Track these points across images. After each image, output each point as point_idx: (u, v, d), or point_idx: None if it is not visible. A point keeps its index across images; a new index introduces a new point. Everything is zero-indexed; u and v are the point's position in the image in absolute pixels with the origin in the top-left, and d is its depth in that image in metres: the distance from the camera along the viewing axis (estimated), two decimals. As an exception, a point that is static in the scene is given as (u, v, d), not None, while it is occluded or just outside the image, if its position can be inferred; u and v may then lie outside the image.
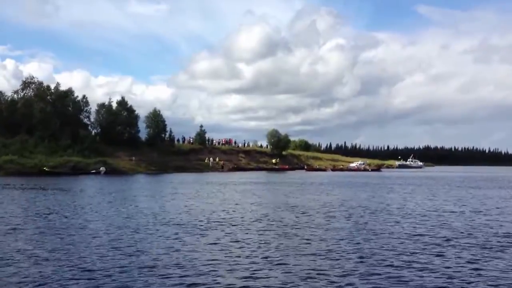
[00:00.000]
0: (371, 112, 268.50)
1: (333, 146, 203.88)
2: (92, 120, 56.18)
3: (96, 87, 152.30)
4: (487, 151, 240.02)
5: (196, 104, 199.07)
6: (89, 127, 56.28)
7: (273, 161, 73.49)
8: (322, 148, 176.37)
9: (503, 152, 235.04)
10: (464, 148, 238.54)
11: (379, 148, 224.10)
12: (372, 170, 77.47)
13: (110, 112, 55.78)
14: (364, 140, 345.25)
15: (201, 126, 69.98)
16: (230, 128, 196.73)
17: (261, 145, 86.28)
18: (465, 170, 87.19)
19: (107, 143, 53.38)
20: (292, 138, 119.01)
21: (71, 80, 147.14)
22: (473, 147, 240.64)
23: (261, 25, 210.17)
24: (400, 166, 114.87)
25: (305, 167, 71.71)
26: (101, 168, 43.11)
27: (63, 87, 54.33)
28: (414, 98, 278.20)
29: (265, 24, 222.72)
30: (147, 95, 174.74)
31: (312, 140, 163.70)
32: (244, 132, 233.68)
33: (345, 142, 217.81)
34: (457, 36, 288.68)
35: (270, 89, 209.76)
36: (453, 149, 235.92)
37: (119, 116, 55.99)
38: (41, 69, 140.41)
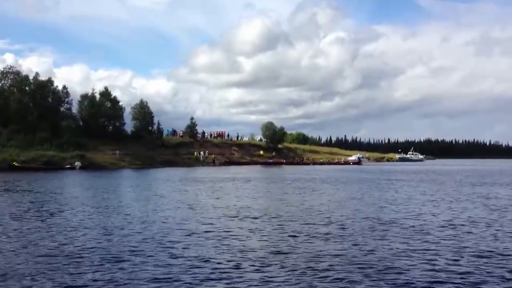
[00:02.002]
0: (372, 105, 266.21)
1: (333, 139, 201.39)
2: (74, 112, 52.90)
3: (95, 81, 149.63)
4: (487, 144, 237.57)
5: (197, 98, 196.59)
6: (71, 119, 52.95)
7: (260, 152, 69.92)
8: (322, 142, 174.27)
9: (503, 145, 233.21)
10: (465, 141, 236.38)
11: (380, 141, 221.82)
12: (354, 163, 74.02)
13: (93, 103, 52.44)
14: (365, 133, 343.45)
15: (192, 119, 66.89)
16: (231, 122, 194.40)
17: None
18: (468, 163, 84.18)
19: (89, 136, 50.13)
20: (290, 131, 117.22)
21: (71, 74, 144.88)
22: (474, 140, 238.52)
23: (261, 18, 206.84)
24: (401, 159, 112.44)
25: (283, 161, 67.32)
26: (76, 163, 39.93)
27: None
28: (415, 91, 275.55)
29: (265, 18, 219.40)
30: (147, 89, 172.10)
31: (313, 134, 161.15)
32: (245, 126, 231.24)
33: (345, 136, 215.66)
34: (458, 28, 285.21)
35: (270, 82, 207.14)
36: (454, 142, 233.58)
37: (103, 108, 52.67)
38: (40, 63, 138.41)
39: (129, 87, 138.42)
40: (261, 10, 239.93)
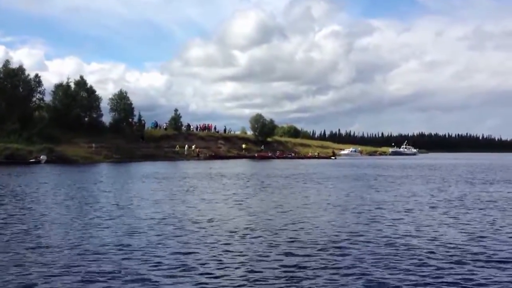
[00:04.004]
0: (366, 100, 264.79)
1: (328, 133, 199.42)
2: (47, 102, 49.39)
3: (88, 74, 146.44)
4: (480, 138, 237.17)
5: (191, 91, 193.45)
6: (44, 110, 49.52)
7: (243, 146, 66.74)
8: (316, 136, 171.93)
9: (496, 139, 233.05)
10: (458, 134, 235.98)
11: (374, 135, 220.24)
12: (326, 157, 70.78)
13: (67, 93, 48.98)
14: (360, 127, 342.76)
15: (176, 110, 63.54)
16: (225, 116, 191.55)
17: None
18: (461, 157, 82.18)
19: (63, 128, 46.76)
20: (282, 125, 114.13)
21: (63, 66, 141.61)
22: (467, 134, 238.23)
23: (256, 12, 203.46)
24: (393, 153, 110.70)
25: (256, 154, 63.97)
26: (41, 157, 36.64)
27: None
28: (409, 85, 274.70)
29: (260, 11, 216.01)
30: (140, 82, 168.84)
31: (308, 128, 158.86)
32: (239, 120, 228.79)
33: (339, 130, 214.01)
34: (452, 22, 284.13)
35: (265, 76, 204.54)
36: (447, 136, 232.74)
37: (78, 98, 49.23)
38: (31, 55, 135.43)
39: (122, 80, 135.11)
40: (256, 3, 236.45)
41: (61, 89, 49.81)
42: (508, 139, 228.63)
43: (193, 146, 58.92)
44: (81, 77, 51.35)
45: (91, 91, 51.11)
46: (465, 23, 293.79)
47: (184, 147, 57.16)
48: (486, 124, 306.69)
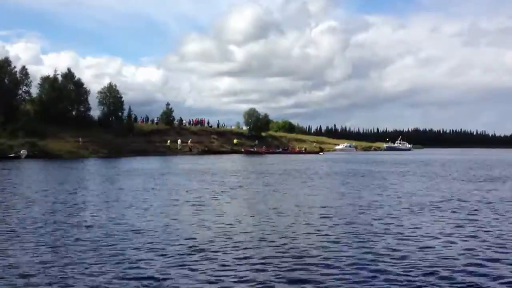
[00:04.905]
0: (362, 95, 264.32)
1: (323, 129, 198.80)
2: (33, 95, 47.87)
3: (84, 68, 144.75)
4: (474, 133, 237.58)
5: (187, 86, 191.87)
6: (30, 104, 48.02)
7: (234, 141, 65.37)
8: (312, 131, 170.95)
9: (490, 134, 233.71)
10: (453, 130, 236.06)
11: (369, 131, 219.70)
12: (313, 152, 69.48)
13: (54, 86, 47.42)
14: (355, 123, 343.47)
15: (168, 104, 62.21)
16: (222, 111, 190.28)
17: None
18: (455, 153, 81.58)
19: (49, 122, 45.28)
20: (277, 120, 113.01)
21: (58, 60, 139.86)
22: (461, 129, 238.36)
23: (252, 7, 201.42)
24: (388, 149, 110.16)
25: (242, 149, 62.00)
26: (21, 152, 35.16)
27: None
28: (404, 81, 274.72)
29: (257, 6, 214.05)
30: (137, 77, 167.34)
31: (304, 123, 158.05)
32: (236, 115, 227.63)
33: (335, 125, 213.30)
34: (447, 19, 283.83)
35: (262, 71, 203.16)
36: (441, 131, 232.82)
37: (65, 91, 47.68)
38: (27, 49, 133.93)
39: (119, 75, 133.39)
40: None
41: (48, 82, 48.28)
42: (502, 135, 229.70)
43: (189, 141, 57.66)
44: (69, 69, 49.91)
45: (79, 84, 49.58)
46: (460, 19, 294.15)
47: (177, 142, 55.92)
48: (480, 120, 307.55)
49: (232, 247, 6.83)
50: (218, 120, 74.23)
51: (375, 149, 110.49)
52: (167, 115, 61.28)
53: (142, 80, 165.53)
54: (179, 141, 56.56)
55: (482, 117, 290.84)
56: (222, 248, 6.76)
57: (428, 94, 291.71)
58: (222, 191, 14.60)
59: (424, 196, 13.30)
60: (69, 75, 49.15)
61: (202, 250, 6.61)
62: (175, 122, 62.92)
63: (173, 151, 53.58)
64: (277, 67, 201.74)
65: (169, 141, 54.80)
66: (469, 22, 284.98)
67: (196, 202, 11.81)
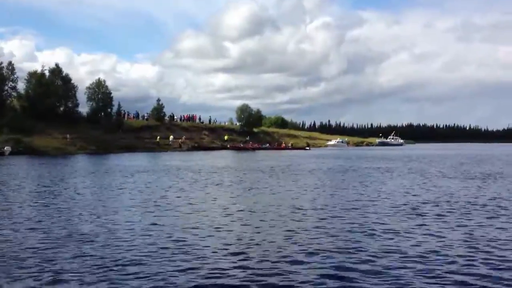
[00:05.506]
0: (357, 91, 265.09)
1: (318, 124, 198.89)
2: (20, 91, 47.30)
3: (79, 65, 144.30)
4: (468, 128, 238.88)
5: (182, 83, 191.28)
6: (16, 99, 47.46)
7: (225, 137, 65.00)
8: (306, 127, 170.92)
9: (483, 129, 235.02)
10: (446, 125, 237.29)
11: (363, 126, 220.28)
12: (300, 148, 69.39)
13: (41, 82, 46.84)
14: (350, 118, 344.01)
15: (158, 100, 61.73)
16: (216, 107, 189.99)
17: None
18: (446, 148, 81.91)
19: (37, 119, 44.78)
20: (270, 116, 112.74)
21: (53, 57, 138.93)
22: (455, 124, 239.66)
23: (248, 3, 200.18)
24: (381, 144, 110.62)
25: (228, 145, 61.60)
26: (5, 148, 34.78)
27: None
28: (399, 77, 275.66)
29: (252, 2, 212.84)
30: (132, 73, 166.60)
31: (299, 119, 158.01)
32: (230, 112, 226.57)
33: (329, 121, 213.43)
34: (441, 14, 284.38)
35: (257, 68, 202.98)
36: (435, 126, 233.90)
37: (52, 87, 47.11)
38: (22, 46, 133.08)
39: (114, 71, 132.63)
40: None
41: (35, 77, 47.68)
42: (495, 130, 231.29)
43: (183, 137, 57.31)
44: (57, 65, 49.31)
45: (67, 80, 49.02)
46: (454, 15, 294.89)
47: (168, 138, 55.58)
48: (474, 115, 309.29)
49: (190, 251, 6.67)
50: (210, 116, 74.02)
51: (367, 145, 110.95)
52: (158, 111, 60.87)
53: (137, 77, 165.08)
54: (171, 137, 56.24)
55: (475, 112, 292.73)
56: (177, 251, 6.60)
57: (422, 90, 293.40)
58: (186, 189, 14.40)
59: (402, 196, 13.19)
60: (56, 71, 48.57)
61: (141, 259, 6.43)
62: (166, 118, 62.54)
63: (162, 147, 53.25)
64: (272, 63, 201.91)
65: (158, 137, 54.43)
66: (462, 17, 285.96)
67: (145, 204, 11.61)
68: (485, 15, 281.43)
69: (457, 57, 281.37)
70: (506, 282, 5.33)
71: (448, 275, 5.58)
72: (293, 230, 8.05)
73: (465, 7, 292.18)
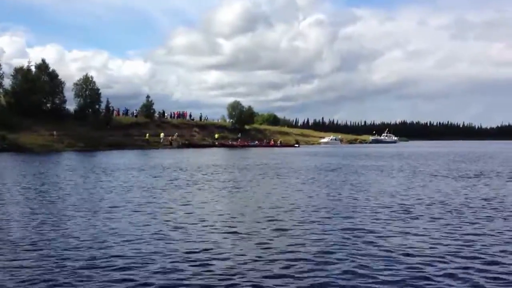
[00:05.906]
0: (350, 88, 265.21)
1: (311, 121, 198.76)
2: (5, 87, 46.37)
3: (69, 62, 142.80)
4: (461, 126, 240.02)
5: (175, 80, 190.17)
6: (3, 96, 46.56)
7: (216, 136, 64.34)
8: (299, 124, 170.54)
9: (476, 127, 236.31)
10: (439, 122, 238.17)
11: (357, 124, 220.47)
12: (289, 145, 68.95)
13: (27, 77, 45.94)
14: (344, 115, 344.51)
15: (148, 97, 60.99)
16: (209, 104, 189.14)
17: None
18: (439, 145, 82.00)
19: (23, 115, 43.94)
20: (262, 113, 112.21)
21: (44, 54, 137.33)
22: (448, 122, 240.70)
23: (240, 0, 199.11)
24: (374, 141, 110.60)
25: (216, 143, 60.87)
26: (-12, 145, 34.19)
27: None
28: (392, 74, 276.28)
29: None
30: (123, 70, 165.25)
31: (292, 117, 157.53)
32: (223, 109, 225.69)
33: (322, 118, 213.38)
34: (434, 12, 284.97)
35: (250, 65, 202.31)
36: (428, 124, 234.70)
37: (38, 83, 46.21)
38: (13, 43, 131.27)
39: (105, 68, 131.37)
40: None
41: (21, 73, 46.77)
42: (488, 127, 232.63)
43: (176, 134, 56.61)
44: (43, 60, 48.41)
45: (53, 76, 48.13)
46: (447, 12, 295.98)
47: (159, 135, 54.89)
48: (467, 112, 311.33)
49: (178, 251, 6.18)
50: (201, 113, 73.40)
51: (360, 142, 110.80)
52: (147, 107, 60.11)
53: (129, 74, 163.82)
54: (162, 134, 55.55)
55: (469, 110, 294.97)
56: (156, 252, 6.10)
57: (416, 87, 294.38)
58: (168, 188, 13.89)
59: (391, 196, 12.77)
60: (43, 66, 47.67)
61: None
62: (156, 115, 61.80)
63: (152, 145, 52.55)
64: (265, 60, 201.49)
65: (147, 134, 53.69)
66: (456, 15, 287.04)
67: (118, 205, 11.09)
68: (478, 13, 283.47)
69: (450, 54, 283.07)
70: (503, 282, 5.17)
71: (440, 275, 5.28)
72: (278, 230, 7.60)
73: (459, 4, 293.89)
